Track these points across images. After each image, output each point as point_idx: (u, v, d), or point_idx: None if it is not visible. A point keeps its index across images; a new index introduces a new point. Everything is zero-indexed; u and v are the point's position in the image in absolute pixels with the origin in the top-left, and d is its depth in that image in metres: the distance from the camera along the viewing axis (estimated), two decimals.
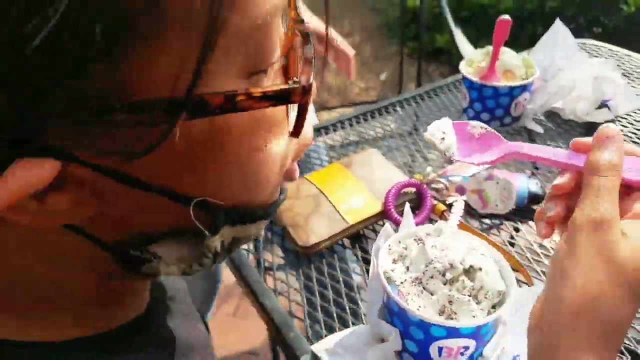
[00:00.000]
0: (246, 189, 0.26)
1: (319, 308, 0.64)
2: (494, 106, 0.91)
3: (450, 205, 0.72)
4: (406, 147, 0.94)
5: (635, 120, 0.95)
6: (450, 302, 0.49)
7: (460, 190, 0.76)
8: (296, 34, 0.26)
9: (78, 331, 0.28)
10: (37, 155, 0.19)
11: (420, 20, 1.94)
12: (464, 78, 0.92)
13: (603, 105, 0.92)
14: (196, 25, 0.19)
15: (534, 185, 0.75)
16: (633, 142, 0.89)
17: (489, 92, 0.90)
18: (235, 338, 1.46)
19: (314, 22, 0.98)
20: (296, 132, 0.26)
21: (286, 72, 0.27)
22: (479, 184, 0.75)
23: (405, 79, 2.38)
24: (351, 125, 1.02)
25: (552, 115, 0.97)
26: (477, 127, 0.41)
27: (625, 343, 0.56)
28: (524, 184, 0.74)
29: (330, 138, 1.00)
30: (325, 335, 0.59)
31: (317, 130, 0.99)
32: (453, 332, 0.49)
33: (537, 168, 0.84)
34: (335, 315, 0.63)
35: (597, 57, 1.14)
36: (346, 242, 0.73)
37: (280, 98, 0.23)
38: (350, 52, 0.91)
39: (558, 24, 1.01)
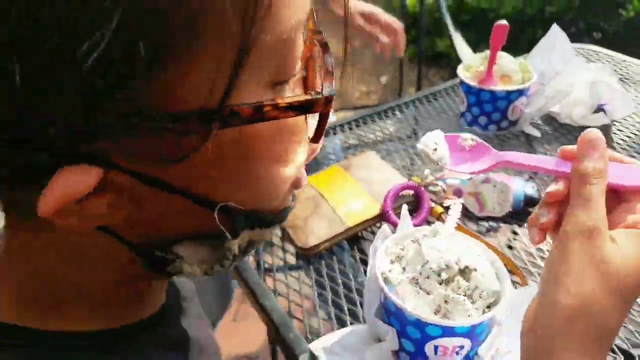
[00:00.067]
0: (266, 195, 0.28)
1: (317, 308, 0.65)
2: (491, 110, 0.92)
3: (447, 208, 0.73)
4: (405, 150, 0.95)
5: (630, 125, 0.96)
6: (445, 301, 0.50)
7: (458, 193, 0.77)
8: (314, 44, 0.28)
9: (94, 324, 0.30)
10: (81, 163, 0.21)
11: (421, 25, 1.95)
12: (462, 82, 0.94)
13: (599, 109, 0.93)
14: (230, 43, 0.21)
15: (530, 189, 0.76)
16: (629, 145, 0.90)
17: (486, 96, 0.91)
18: (234, 342, 1.47)
19: (356, 3, 0.99)
20: (317, 138, 0.28)
21: (305, 81, 0.28)
22: (476, 187, 0.76)
23: (406, 83, 2.39)
24: (350, 128, 1.04)
25: (549, 119, 0.98)
26: (467, 139, 0.43)
27: (616, 343, 0.57)
28: (520, 187, 0.76)
29: (331, 141, 1.01)
30: (324, 335, 0.60)
31: None
32: (448, 331, 0.50)
33: (534, 172, 0.85)
34: (333, 315, 0.64)
35: (594, 62, 1.15)
36: (345, 243, 0.74)
37: (304, 108, 0.25)
38: (398, 25, 0.91)
39: (555, 28, 1.02)
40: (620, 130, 0.95)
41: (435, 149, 0.43)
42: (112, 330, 0.30)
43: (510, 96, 0.90)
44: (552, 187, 0.37)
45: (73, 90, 0.19)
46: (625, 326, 0.58)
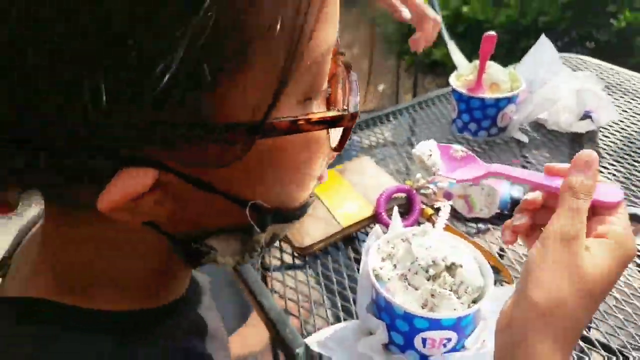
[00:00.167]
0: (291, 195, 0.32)
1: (313, 306, 0.68)
2: (481, 117, 0.96)
3: (438, 210, 0.76)
4: (399, 155, 0.99)
5: (615, 131, 1.00)
6: (432, 295, 0.53)
7: (448, 195, 0.80)
8: (338, 65, 0.32)
9: (122, 306, 0.33)
10: (139, 166, 0.24)
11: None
12: (453, 90, 0.97)
13: (586, 116, 0.96)
14: (276, 66, 0.24)
15: (516, 192, 0.79)
16: (613, 151, 0.94)
17: (476, 103, 0.94)
18: (235, 343, 1.49)
19: None
20: (340, 147, 0.32)
21: (329, 97, 0.32)
22: (465, 190, 0.79)
23: (402, 91, 2.44)
24: None
25: (537, 125, 1.02)
26: (458, 150, 0.48)
27: (616, 344, 0.60)
28: (507, 190, 0.79)
29: None
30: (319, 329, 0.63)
31: None
32: (435, 324, 0.53)
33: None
34: (329, 312, 0.67)
35: (582, 70, 1.19)
36: (340, 244, 0.78)
37: (333, 122, 0.28)
38: (437, 17, 0.98)
39: (543, 39, 1.06)
40: (606, 137, 0.98)
41: (429, 155, 0.48)
42: (141, 310, 0.34)
43: (499, 103, 0.94)
44: (531, 195, 0.42)
45: (149, 106, 0.22)
46: (624, 329, 0.61)
